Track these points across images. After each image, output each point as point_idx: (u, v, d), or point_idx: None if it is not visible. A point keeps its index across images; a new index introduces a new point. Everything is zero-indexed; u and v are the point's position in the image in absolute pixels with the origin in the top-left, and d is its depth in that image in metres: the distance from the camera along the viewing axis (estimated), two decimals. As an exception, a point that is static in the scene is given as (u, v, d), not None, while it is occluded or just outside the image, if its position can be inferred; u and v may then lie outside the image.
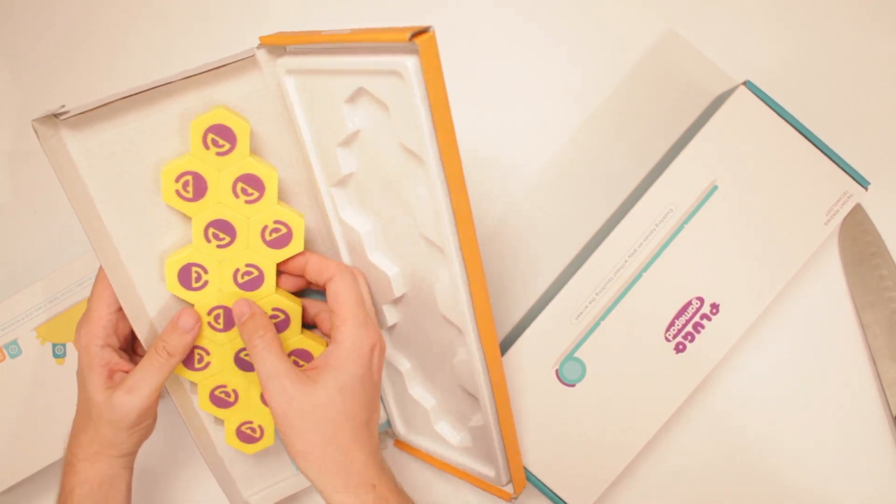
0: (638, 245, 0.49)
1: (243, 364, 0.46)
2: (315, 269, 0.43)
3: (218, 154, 0.41)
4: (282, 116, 0.44)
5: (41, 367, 0.50)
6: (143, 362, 0.42)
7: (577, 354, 0.49)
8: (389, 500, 0.39)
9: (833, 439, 0.54)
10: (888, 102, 0.55)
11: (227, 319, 0.45)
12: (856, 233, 0.53)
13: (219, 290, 0.44)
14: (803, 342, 0.54)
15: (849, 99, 0.55)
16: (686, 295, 0.49)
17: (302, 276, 0.45)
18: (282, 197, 0.45)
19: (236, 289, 0.44)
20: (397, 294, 0.44)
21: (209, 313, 0.44)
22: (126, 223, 0.43)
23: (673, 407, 0.49)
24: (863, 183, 0.49)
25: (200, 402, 0.46)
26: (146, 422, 0.44)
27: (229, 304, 0.44)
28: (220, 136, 0.41)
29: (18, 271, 0.55)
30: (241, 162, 0.41)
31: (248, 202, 0.42)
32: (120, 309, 0.44)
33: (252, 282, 0.44)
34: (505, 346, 0.52)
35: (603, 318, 0.49)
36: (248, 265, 0.44)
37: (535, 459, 0.50)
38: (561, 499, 0.50)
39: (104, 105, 0.39)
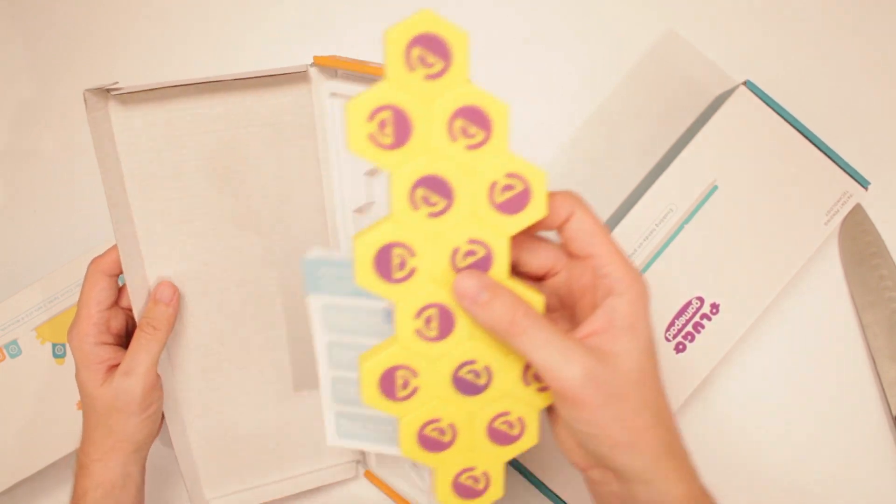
0: (638, 245, 0.49)
1: (464, 385, 0.33)
2: (550, 208, 0.31)
3: (428, 78, 0.29)
4: (313, 136, 0.44)
5: (41, 367, 0.50)
6: (133, 343, 0.43)
7: (577, 354, 0.49)
8: (709, 495, 0.31)
9: (833, 439, 0.54)
10: (888, 102, 0.55)
11: (444, 323, 0.32)
12: (856, 233, 0.53)
13: (430, 279, 0.31)
14: (803, 342, 0.54)
15: (849, 99, 0.55)
16: (686, 295, 0.49)
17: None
18: (303, 214, 0.42)
19: (454, 278, 0.31)
20: None
21: (417, 315, 0.32)
22: (150, 206, 0.43)
23: (673, 407, 0.49)
24: (863, 183, 0.49)
25: (403, 447, 0.34)
26: (153, 405, 0.44)
27: (445, 301, 0.31)
28: (432, 50, 0.29)
29: (18, 271, 0.55)
30: (460, 89, 0.29)
31: (469, 147, 0.30)
32: (110, 307, 0.44)
33: (477, 265, 0.31)
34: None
35: (603, 318, 0.49)
36: (471, 241, 0.31)
37: (536, 460, 0.50)
38: (561, 499, 0.50)
39: (154, 89, 0.40)
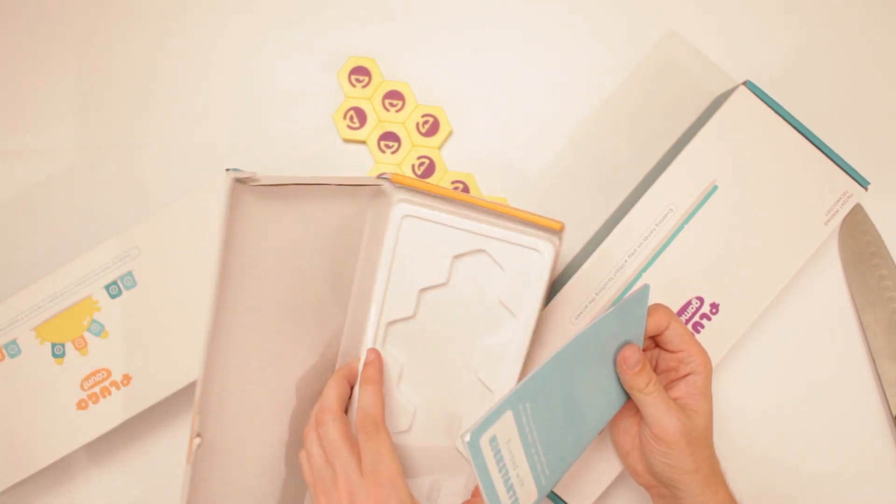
0: (638, 245, 0.49)
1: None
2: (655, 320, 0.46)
3: (363, 87, 0.56)
4: (360, 244, 0.46)
5: (40, 367, 0.50)
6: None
7: (577, 354, 0.49)
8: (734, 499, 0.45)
9: (833, 439, 0.54)
10: (888, 102, 0.55)
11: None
12: (856, 233, 0.53)
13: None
14: (803, 342, 0.54)
15: (849, 99, 0.55)
16: (686, 295, 0.49)
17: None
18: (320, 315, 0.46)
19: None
20: (406, 426, 0.48)
21: None
22: (246, 284, 0.42)
23: (673, 407, 0.49)
24: (863, 183, 0.49)
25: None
26: None
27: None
28: (360, 73, 0.55)
29: (18, 271, 0.55)
30: (381, 86, 0.55)
31: (397, 112, 0.55)
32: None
33: (427, 171, 0.55)
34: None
35: (603, 318, 0.49)
36: (419, 157, 0.55)
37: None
38: (561, 499, 0.50)
39: (282, 185, 0.40)
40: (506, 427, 0.37)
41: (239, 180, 0.38)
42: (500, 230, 0.44)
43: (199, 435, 0.41)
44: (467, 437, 0.35)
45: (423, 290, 0.46)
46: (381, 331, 0.47)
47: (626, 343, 0.44)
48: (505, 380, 0.46)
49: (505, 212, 0.44)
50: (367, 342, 0.47)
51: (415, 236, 0.45)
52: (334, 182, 0.42)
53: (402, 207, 0.45)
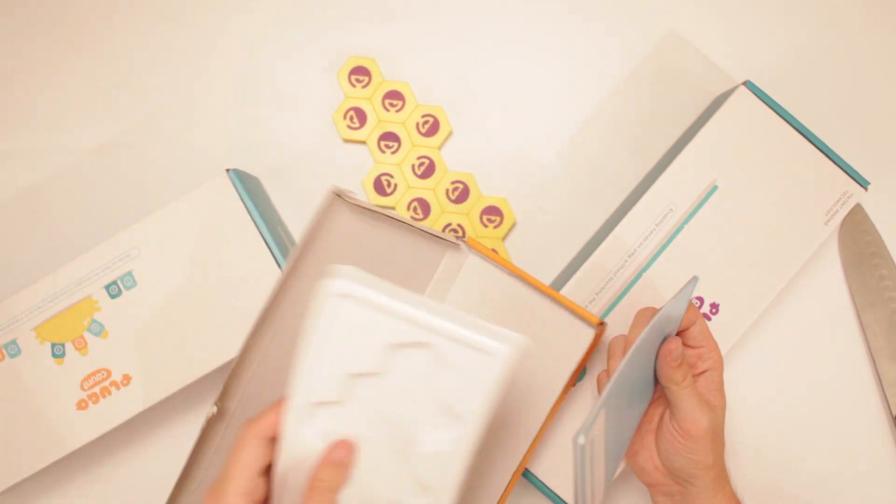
0: (638, 245, 0.49)
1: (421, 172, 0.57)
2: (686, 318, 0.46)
3: (363, 87, 0.56)
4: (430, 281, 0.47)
5: (40, 367, 0.50)
6: None
7: (577, 354, 0.49)
8: (737, 496, 0.46)
9: (833, 439, 0.54)
10: (888, 102, 0.55)
11: (423, 208, 0.55)
12: (856, 233, 0.53)
13: (407, 187, 0.55)
14: (803, 343, 0.54)
15: (849, 99, 0.55)
16: (686, 295, 0.49)
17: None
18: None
19: (419, 181, 0.55)
20: None
21: (408, 208, 0.55)
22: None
23: (673, 407, 0.49)
24: (863, 183, 0.49)
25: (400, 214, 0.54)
26: None
27: (417, 195, 0.55)
28: (359, 74, 0.56)
29: (18, 271, 0.55)
30: (381, 86, 0.56)
31: (397, 111, 0.56)
32: (261, 473, 0.39)
33: (427, 171, 0.55)
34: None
35: (603, 317, 0.49)
36: (419, 158, 0.55)
37: (536, 460, 0.50)
38: (561, 499, 0.50)
39: (370, 209, 0.45)
40: (598, 427, 0.37)
41: (338, 195, 0.40)
42: (452, 326, 0.38)
43: (215, 405, 0.45)
44: (581, 439, 0.34)
45: (353, 375, 0.40)
46: (309, 409, 0.40)
47: (667, 336, 0.44)
48: (450, 483, 0.40)
49: (552, 296, 0.45)
50: (289, 416, 0.39)
51: (349, 317, 0.39)
52: (419, 227, 0.44)
53: (340, 286, 0.38)
